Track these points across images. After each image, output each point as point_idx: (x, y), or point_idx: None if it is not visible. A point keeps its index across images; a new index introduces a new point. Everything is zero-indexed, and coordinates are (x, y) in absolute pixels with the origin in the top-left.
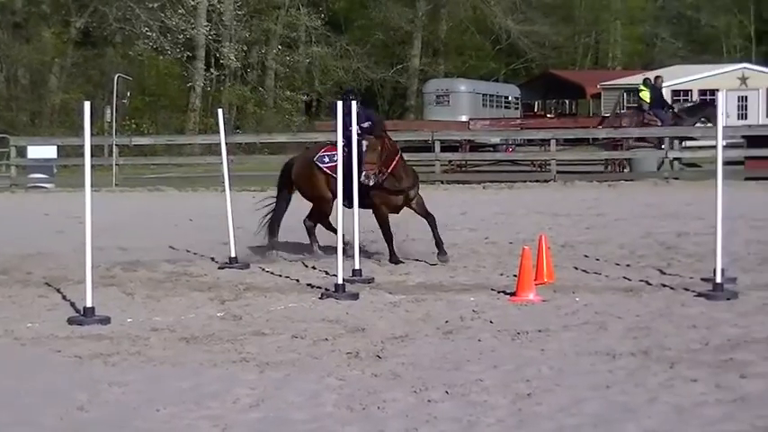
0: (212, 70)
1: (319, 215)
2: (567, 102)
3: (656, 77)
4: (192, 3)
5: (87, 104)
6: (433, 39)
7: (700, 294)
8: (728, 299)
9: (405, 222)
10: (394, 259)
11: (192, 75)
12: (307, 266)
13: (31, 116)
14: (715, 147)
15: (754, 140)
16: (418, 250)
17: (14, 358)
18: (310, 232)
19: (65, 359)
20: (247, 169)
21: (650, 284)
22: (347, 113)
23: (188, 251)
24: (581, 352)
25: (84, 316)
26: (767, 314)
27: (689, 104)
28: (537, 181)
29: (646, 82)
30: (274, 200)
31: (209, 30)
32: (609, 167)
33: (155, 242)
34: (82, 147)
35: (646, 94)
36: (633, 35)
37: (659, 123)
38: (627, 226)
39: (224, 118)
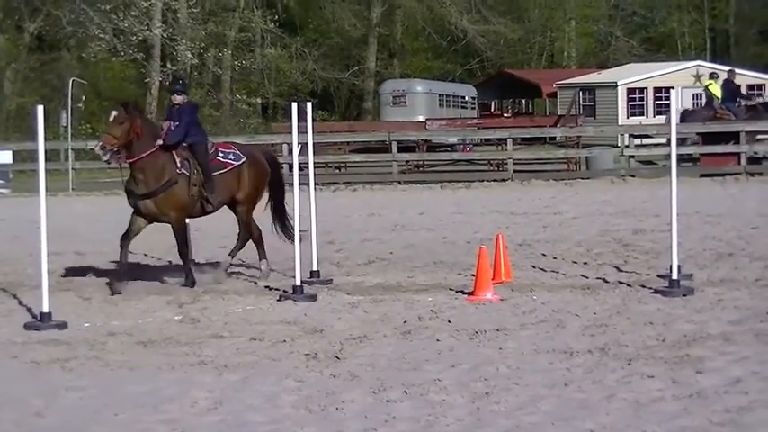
0: (169, 66)
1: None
2: (523, 101)
3: (730, 71)
4: (146, 4)
5: (40, 109)
6: (389, 40)
7: (656, 291)
8: (684, 295)
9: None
10: (189, 280)
11: (149, 73)
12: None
13: None
14: (669, 144)
15: (708, 137)
16: (374, 251)
17: None
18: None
19: (21, 365)
20: None
21: (607, 282)
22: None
23: (145, 255)
24: (539, 350)
25: (41, 321)
26: (723, 310)
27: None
28: (494, 180)
29: (713, 76)
30: None
31: (164, 30)
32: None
33: (112, 247)
34: (37, 152)
35: (715, 88)
36: (587, 33)
37: (732, 117)
38: (584, 224)
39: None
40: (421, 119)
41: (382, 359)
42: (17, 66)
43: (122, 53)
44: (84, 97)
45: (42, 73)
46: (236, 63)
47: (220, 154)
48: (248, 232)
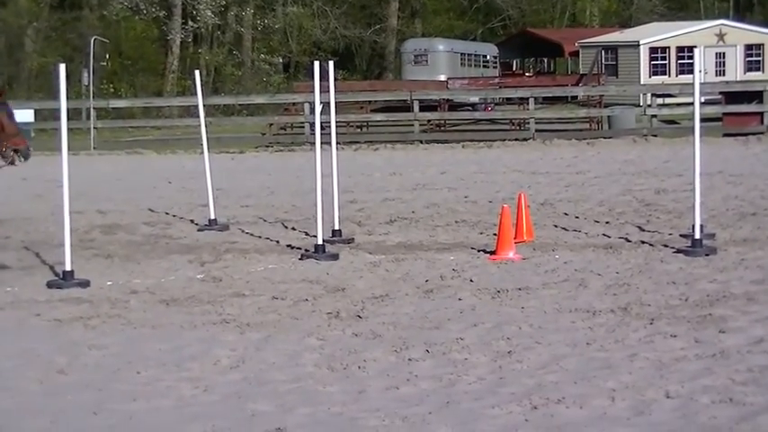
0: (190, 23)
1: None
2: (545, 60)
3: None
4: None
5: (62, 67)
6: None
7: (678, 251)
8: (707, 255)
9: None
10: None
11: (170, 30)
12: (286, 228)
13: (8, 80)
14: (692, 103)
15: (731, 97)
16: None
17: None
18: None
19: (44, 323)
20: (225, 131)
21: (629, 241)
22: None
23: (167, 213)
24: (561, 309)
25: (64, 279)
26: (745, 269)
27: None
28: (516, 140)
29: None
30: None
31: None
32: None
33: (133, 205)
34: (59, 110)
35: None
36: None
37: None
38: (606, 183)
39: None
40: (442, 78)
41: (404, 318)
42: (38, 24)
43: (145, 11)
44: (107, 56)
45: (64, 32)
46: (257, 22)
47: None
48: None
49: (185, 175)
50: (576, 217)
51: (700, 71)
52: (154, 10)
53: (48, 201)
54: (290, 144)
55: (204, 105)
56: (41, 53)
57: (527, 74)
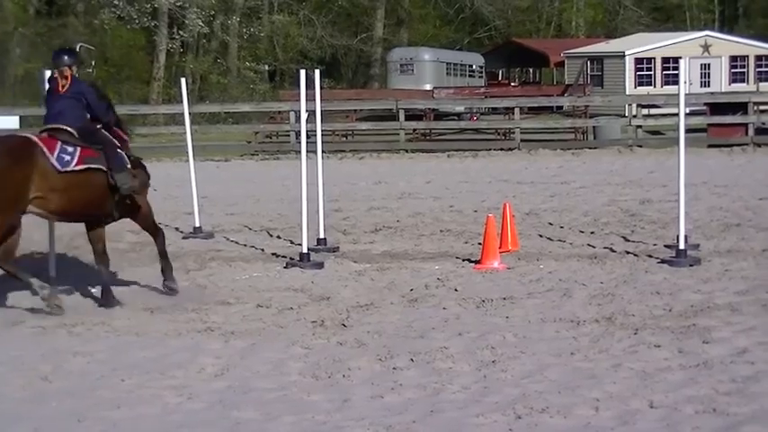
0: (179, 32)
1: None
2: (530, 70)
3: None
4: None
5: (47, 73)
6: (397, 7)
7: (663, 261)
8: (691, 265)
9: None
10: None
11: (158, 39)
12: (271, 236)
13: None
14: (678, 114)
15: (716, 108)
16: (379, 221)
17: None
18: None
19: (28, 330)
20: (211, 139)
21: (614, 251)
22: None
23: None
24: (545, 319)
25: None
26: (729, 280)
27: None
28: (501, 149)
29: None
30: None
31: None
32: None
33: None
34: (44, 117)
35: None
36: (595, 2)
37: None
38: (591, 194)
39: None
40: (428, 87)
41: (389, 327)
42: (24, 30)
43: (136, 20)
44: (93, 63)
45: (50, 38)
46: (244, 30)
47: None
48: None
49: (170, 182)
50: (561, 227)
51: (685, 82)
52: (145, 20)
53: None
54: (276, 152)
55: (190, 113)
56: (27, 59)
57: (513, 84)
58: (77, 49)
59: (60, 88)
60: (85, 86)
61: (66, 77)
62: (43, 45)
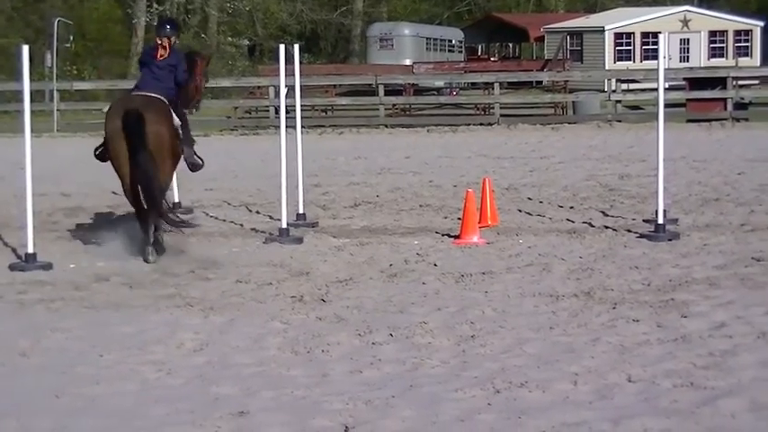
0: (155, 5)
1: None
2: (510, 45)
3: None
4: None
5: (26, 48)
6: None
7: (642, 236)
8: (670, 240)
9: None
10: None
11: (134, 12)
12: (251, 211)
13: None
14: (657, 89)
15: (695, 83)
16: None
17: None
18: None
19: (6, 305)
20: (191, 114)
21: (593, 226)
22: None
23: None
24: (524, 294)
25: (26, 262)
26: (707, 255)
27: None
28: (481, 124)
29: None
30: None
31: None
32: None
33: (97, 188)
34: (22, 92)
35: None
36: None
37: None
38: (570, 168)
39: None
40: (408, 62)
41: (368, 302)
42: (1, 5)
43: None
44: (71, 37)
45: (26, 13)
46: (227, 5)
47: None
48: None
49: None
50: (540, 202)
51: (664, 57)
52: None
53: (10, 183)
54: (255, 128)
55: None
56: (3, 34)
57: (492, 59)
58: (55, 24)
59: (158, 57)
60: (181, 57)
61: (166, 48)
62: (20, 20)
